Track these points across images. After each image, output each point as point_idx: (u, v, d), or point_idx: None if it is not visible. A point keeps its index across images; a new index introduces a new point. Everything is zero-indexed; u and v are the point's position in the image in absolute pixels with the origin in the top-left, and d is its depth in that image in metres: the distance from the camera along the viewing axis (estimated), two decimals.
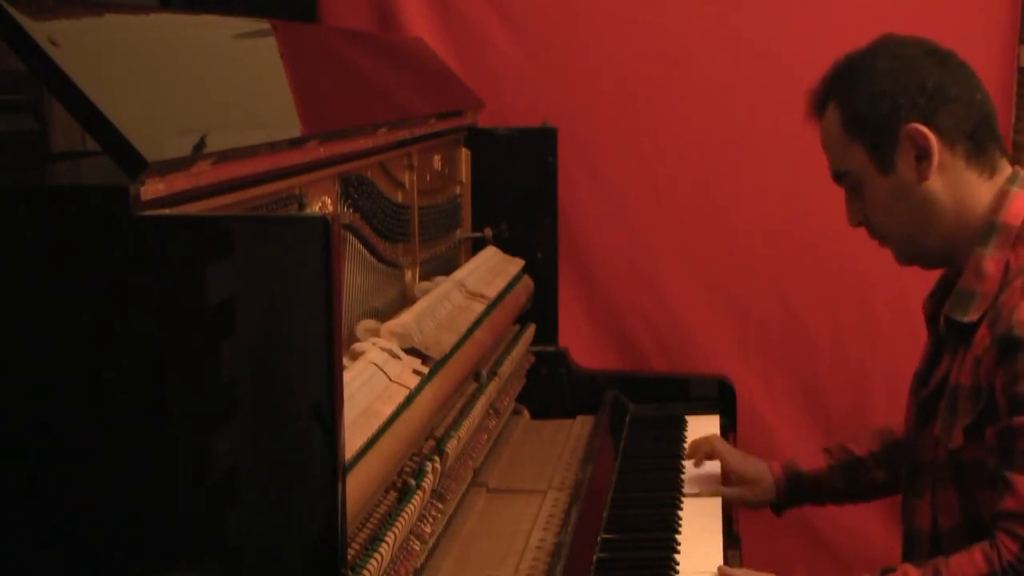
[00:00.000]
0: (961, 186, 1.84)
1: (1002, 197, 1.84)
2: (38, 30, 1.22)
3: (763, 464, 2.25)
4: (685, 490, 2.25)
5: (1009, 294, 1.76)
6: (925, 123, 1.82)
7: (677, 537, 2.05)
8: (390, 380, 1.72)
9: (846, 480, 2.20)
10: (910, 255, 1.93)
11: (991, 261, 1.80)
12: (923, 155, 1.83)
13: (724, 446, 2.33)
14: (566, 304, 2.91)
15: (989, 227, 1.82)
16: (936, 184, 1.84)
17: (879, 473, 2.17)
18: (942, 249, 1.89)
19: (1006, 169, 1.87)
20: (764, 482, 2.23)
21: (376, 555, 1.55)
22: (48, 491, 1.28)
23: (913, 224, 1.87)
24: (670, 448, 2.45)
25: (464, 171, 2.68)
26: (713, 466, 2.31)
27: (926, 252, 1.91)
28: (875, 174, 1.86)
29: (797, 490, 2.22)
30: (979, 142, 1.84)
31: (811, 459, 2.23)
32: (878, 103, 1.84)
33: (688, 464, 2.34)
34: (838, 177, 1.92)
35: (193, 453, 1.25)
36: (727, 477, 2.27)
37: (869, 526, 3.04)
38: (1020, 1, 2.94)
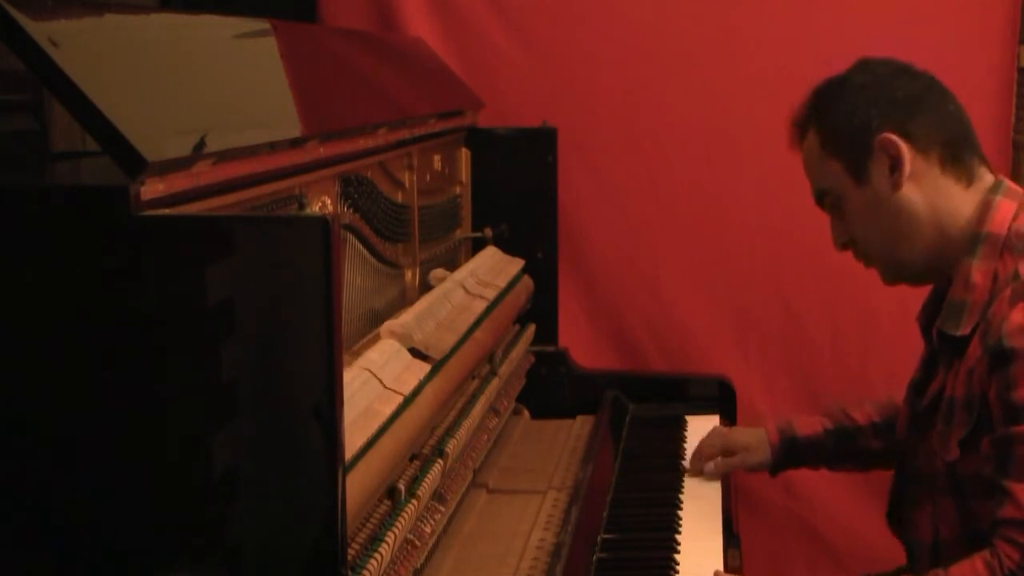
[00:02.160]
0: (938, 193, 1.85)
1: (986, 207, 1.83)
2: (38, 30, 1.22)
3: (760, 429, 2.30)
4: (687, 468, 2.31)
5: (998, 304, 1.75)
6: (897, 132, 1.83)
7: (677, 537, 2.05)
8: (389, 380, 1.72)
9: (840, 446, 2.23)
10: (895, 272, 1.93)
11: (979, 271, 1.80)
12: (896, 164, 1.84)
13: (717, 431, 2.37)
14: (566, 304, 2.91)
15: (975, 238, 1.82)
16: (911, 192, 1.84)
17: (875, 443, 2.20)
18: (925, 262, 1.89)
19: (987, 178, 1.88)
20: (761, 447, 2.27)
21: (376, 555, 1.55)
22: (48, 491, 1.28)
23: (892, 236, 1.88)
24: (670, 448, 2.45)
25: (464, 171, 2.67)
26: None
27: (909, 266, 1.91)
28: (852, 187, 1.88)
29: (792, 453, 2.26)
30: (954, 150, 1.86)
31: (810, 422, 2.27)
32: (852, 117, 1.86)
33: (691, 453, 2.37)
34: (820, 197, 1.94)
35: (193, 453, 1.25)
36: (727, 449, 2.31)
37: (869, 526, 3.04)
38: (1020, 1, 2.94)
